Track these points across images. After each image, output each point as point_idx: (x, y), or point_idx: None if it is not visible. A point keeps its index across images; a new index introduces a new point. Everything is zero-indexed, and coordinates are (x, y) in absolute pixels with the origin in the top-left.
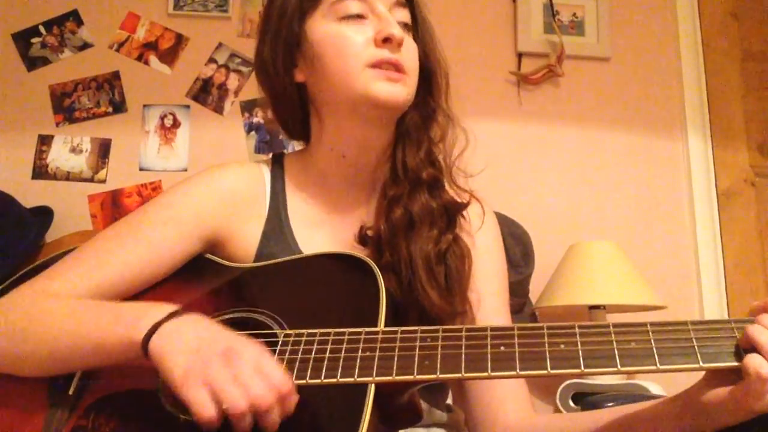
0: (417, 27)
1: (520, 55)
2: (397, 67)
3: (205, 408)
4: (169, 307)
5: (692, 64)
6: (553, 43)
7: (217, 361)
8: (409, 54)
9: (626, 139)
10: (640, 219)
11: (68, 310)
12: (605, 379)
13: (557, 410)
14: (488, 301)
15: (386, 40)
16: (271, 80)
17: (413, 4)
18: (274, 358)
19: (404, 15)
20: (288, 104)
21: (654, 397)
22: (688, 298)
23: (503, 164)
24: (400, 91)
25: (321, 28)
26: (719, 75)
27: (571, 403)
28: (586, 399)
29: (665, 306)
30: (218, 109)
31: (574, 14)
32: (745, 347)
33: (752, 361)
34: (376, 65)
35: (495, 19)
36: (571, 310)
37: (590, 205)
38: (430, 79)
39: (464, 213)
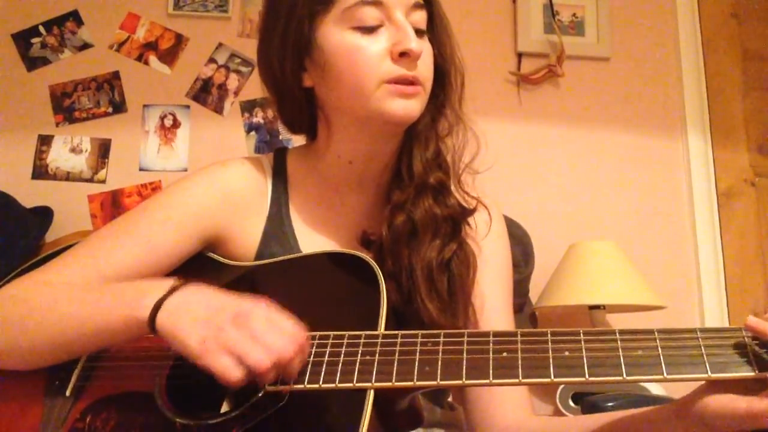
0: (434, 27)
1: (520, 55)
2: (413, 81)
3: (232, 372)
4: (170, 282)
5: (692, 64)
6: (553, 43)
7: (230, 326)
8: (424, 63)
9: (626, 139)
10: (640, 219)
11: (67, 295)
12: None
13: (557, 409)
14: (491, 303)
15: (403, 54)
16: (277, 82)
17: (431, 3)
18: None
19: (421, 17)
20: (294, 106)
21: (655, 397)
22: (688, 298)
23: (503, 164)
24: (415, 105)
25: (334, 35)
26: (719, 75)
27: (571, 403)
28: (586, 399)
29: (665, 306)
30: (218, 109)
31: (574, 14)
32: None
33: None
34: (391, 81)
35: (495, 19)
36: (571, 310)
37: (590, 205)
38: (443, 79)
39: (470, 220)
